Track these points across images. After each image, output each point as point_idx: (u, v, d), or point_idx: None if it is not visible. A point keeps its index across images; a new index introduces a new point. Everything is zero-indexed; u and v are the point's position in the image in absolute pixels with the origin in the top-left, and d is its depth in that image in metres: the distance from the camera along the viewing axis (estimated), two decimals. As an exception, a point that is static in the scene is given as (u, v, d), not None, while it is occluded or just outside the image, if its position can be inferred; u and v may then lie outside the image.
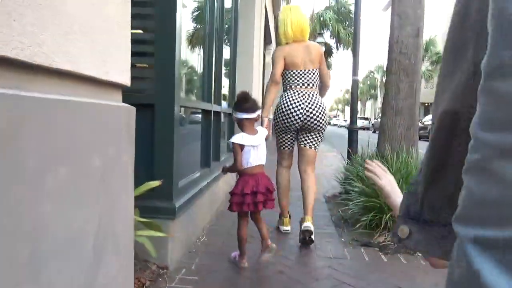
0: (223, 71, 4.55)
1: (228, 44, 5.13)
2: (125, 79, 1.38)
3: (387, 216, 3.04)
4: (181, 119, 2.77)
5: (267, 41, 12.20)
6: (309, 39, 3.34)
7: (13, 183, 0.81)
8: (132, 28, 1.45)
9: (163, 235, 1.98)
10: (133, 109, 1.44)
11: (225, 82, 4.96)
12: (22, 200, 0.84)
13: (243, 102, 2.46)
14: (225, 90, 4.98)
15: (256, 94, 8.03)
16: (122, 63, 1.36)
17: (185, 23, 2.92)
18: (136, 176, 1.50)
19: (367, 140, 4.89)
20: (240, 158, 2.38)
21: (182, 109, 2.95)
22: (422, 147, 4.75)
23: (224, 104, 4.74)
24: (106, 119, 1.25)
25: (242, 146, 2.38)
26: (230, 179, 4.79)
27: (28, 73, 0.92)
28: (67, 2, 1.02)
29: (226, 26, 4.76)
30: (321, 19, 20.97)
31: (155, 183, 2.07)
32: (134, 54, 1.50)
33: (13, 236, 0.81)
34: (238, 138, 2.39)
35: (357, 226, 3.22)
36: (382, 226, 3.08)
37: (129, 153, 1.41)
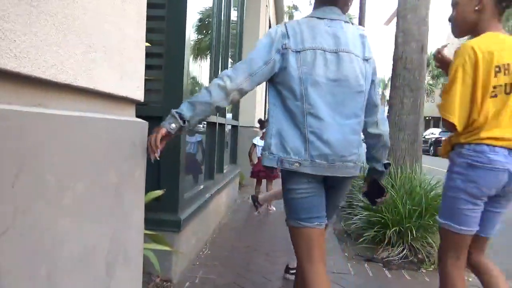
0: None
1: (233, 57, 5.17)
2: (139, 94, 1.40)
3: (391, 231, 3.04)
4: (187, 132, 2.78)
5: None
6: None
7: (34, 201, 0.82)
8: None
9: (169, 249, 1.98)
10: (146, 124, 1.45)
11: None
12: (42, 217, 0.85)
13: (260, 123, 5.22)
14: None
15: (259, 106, 8.05)
16: (137, 79, 1.38)
17: (192, 37, 2.95)
18: (144, 189, 1.51)
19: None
20: (251, 150, 4.99)
21: (188, 121, 2.97)
22: (425, 162, 4.65)
23: (228, 116, 4.76)
24: (121, 134, 1.26)
25: (254, 144, 4.94)
26: (233, 192, 4.80)
27: (49, 91, 0.94)
28: (88, 22, 1.04)
29: (231, 39, 4.80)
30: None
31: (158, 193, 2.07)
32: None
33: (34, 254, 0.82)
34: (255, 139, 5.01)
35: (361, 240, 3.21)
36: (386, 241, 3.06)
37: (142, 168, 1.42)
